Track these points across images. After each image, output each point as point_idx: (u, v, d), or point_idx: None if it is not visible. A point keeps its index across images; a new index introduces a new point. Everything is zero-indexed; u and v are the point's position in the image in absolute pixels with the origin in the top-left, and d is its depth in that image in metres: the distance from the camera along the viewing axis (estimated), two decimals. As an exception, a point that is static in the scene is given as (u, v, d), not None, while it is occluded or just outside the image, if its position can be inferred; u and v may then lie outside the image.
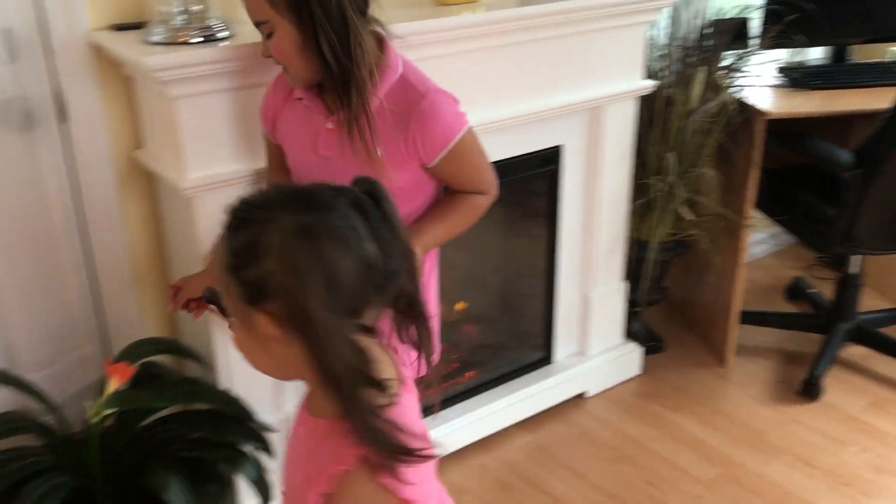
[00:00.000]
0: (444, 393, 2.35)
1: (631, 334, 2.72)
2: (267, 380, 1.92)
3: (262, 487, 1.73)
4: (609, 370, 2.65)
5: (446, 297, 2.43)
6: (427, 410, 2.17)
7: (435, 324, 1.72)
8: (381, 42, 1.51)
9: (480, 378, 2.43)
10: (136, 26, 1.70)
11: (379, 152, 1.48)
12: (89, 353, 1.91)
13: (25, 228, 1.74)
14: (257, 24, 1.44)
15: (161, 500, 1.55)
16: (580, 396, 2.61)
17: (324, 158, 1.53)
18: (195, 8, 1.64)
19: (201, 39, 1.59)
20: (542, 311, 2.50)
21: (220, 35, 1.63)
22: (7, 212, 1.70)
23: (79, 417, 1.83)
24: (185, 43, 1.58)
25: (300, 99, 1.53)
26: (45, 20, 1.66)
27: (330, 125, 1.50)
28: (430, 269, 1.70)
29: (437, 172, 1.56)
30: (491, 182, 1.64)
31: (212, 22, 1.64)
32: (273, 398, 1.97)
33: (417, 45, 1.82)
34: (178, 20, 1.61)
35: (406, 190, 1.54)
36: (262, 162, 1.74)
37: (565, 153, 2.29)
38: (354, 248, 0.96)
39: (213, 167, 1.69)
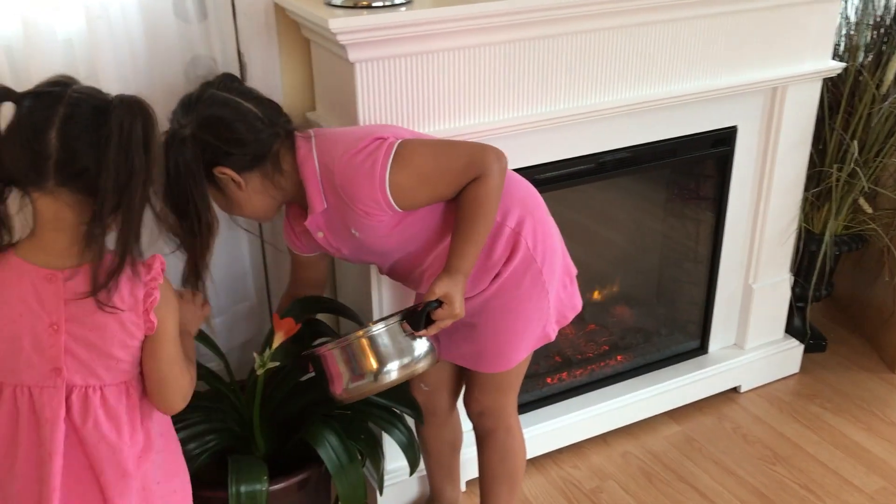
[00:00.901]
0: (589, 375, 2.31)
1: (792, 330, 2.57)
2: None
3: (410, 453, 1.75)
4: (766, 366, 2.52)
5: (598, 278, 2.39)
6: (544, 401, 2.16)
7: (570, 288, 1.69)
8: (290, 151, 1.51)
9: (630, 363, 2.37)
10: (318, -11, 1.73)
11: (356, 233, 1.51)
12: (255, 305, 1.98)
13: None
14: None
15: (314, 452, 1.60)
16: (734, 390, 2.50)
17: (347, 241, 1.56)
18: (377, -29, 1.64)
19: (384, 4, 1.60)
20: (699, 298, 2.40)
21: (399, 0, 1.62)
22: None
23: (241, 365, 1.91)
24: (368, 6, 1.59)
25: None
26: (234, -20, 1.71)
27: (320, 234, 1.56)
28: (542, 236, 1.59)
29: (410, 204, 1.47)
30: (469, 164, 1.45)
31: (393, -15, 1.64)
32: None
33: (605, 13, 1.76)
34: (362, -17, 1.62)
35: (412, 226, 1.52)
36: (435, 130, 1.74)
37: (739, 135, 2.18)
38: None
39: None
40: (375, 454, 1.73)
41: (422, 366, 1.51)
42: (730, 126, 2.15)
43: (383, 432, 1.76)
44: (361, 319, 1.83)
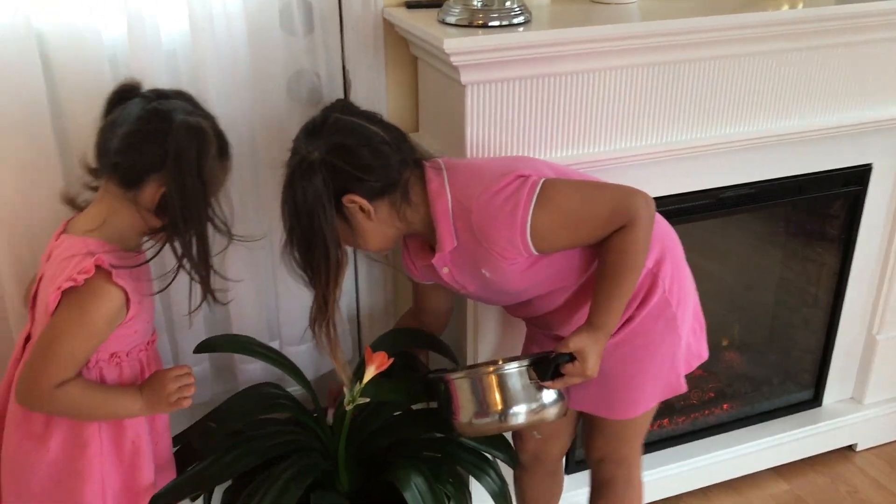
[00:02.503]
0: (692, 423, 2.15)
1: (917, 386, 2.37)
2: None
3: (501, 501, 1.64)
4: (887, 423, 2.32)
5: (708, 319, 2.23)
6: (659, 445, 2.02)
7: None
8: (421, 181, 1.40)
9: (737, 412, 2.20)
10: (429, 5, 1.64)
11: (486, 273, 1.40)
12: (345, 331, 1.90)
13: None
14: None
15: (399, 494, 1.51)
16: (849, 448, 2.32)
17: (475, 280, 1.45)
18: (494, -11, 1.54)
19: (500, 23, 1.49)
20: (816, 347, 2.23)
21: (517, 20, 1.52)
22: (286, 185, 1.71)
23: (326, 392, 1.84)
24: (484, 26, 1.49)
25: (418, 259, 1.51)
26: (343, -5, 1.64)
27: (445, 270, 1.45)
28: (678, 277, 1.50)
29: (552, 247, 1.37)
30: (616, 211, 1.34)
31: (510, 4, 1.53)
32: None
33: (734, 40, 1.64)
34: (478, 1, 1.52)
35: (547, 267, 1.41)
36: (545, 157, 1.63)
37: (873, 174, 2.00)
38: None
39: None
40: (464, 501, 1.63)
41: (551, 413, 1.42)
42: (864, 164, 1.98)
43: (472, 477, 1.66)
44: (457, 357, 1.73)
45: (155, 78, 1.49)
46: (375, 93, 1.72)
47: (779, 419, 2.22)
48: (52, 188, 1.48)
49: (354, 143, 1.33)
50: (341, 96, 1.72)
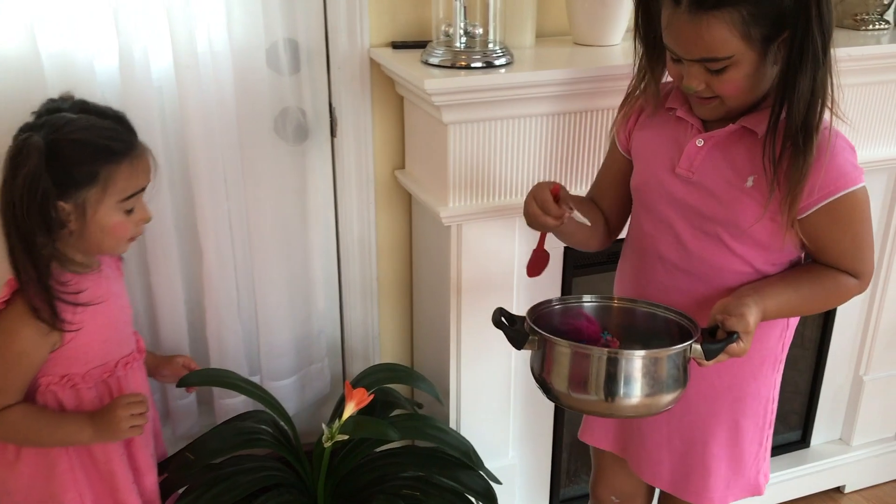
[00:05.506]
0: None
1: (905, 428, 2.35)
2: (495, 421, 1.83)
3: (481, 540, 1.63)
4: (875, 466, 2.30)
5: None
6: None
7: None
8: None
9: (723, 452, 2.18)
10: (415, 45, 1.66)
11: (750, 181, 1.24)
12: (326, 366, 1.90)
13: (286, 239, 1.75)
14: (703, 61, 1.18)
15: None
16: (837, 490, 2.30)
17: (677, 178, 1.31)
18: (477, 31, 1.56)
19: (482, 65, 1.51)
20: (803, 387, 2.21)
21: (498, 61, 1.54)
22: (272, 220, 1.72)
23: (307, 426, 1.83)
24: (467, 67, 1.51)
25: (671, 109, 1.33)
26: (329, 35, 1.66)
27: (700, 142, 1.28)
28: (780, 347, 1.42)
29: (805, 231, 1.25)
30: (869, 264, 1.30)
31: (492, 46, 1.56)
32: (499, 443, 1.86)
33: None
34: (460, 43, 1.54)
35: (755, 245, 1.28)
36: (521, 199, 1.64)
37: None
38: None
39: (476, 197, 1.61)
40: (441, 540, 1.62)
41: (667, 400, 1.20)
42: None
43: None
44: (438, 393, 1.73)
45: (146, 113, 1.50)
46: (362, 130, 1.73)
47: (766, 460, 2.21)
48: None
49: None
50: (328, 134, 1.74)
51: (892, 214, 2.03)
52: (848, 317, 2.12)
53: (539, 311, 1.30)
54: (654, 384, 1.17)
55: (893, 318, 2.15)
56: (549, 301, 1.33)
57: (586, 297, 1.36)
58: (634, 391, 1.17)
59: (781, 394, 2.24)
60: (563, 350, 1.19)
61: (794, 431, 2.26)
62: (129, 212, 1.30)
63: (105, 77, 1.52)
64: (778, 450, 2.23)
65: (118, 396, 1.35)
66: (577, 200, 1.42)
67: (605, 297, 1.37)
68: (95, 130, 1.24)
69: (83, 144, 1.23)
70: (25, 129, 1.23)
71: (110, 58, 1.51)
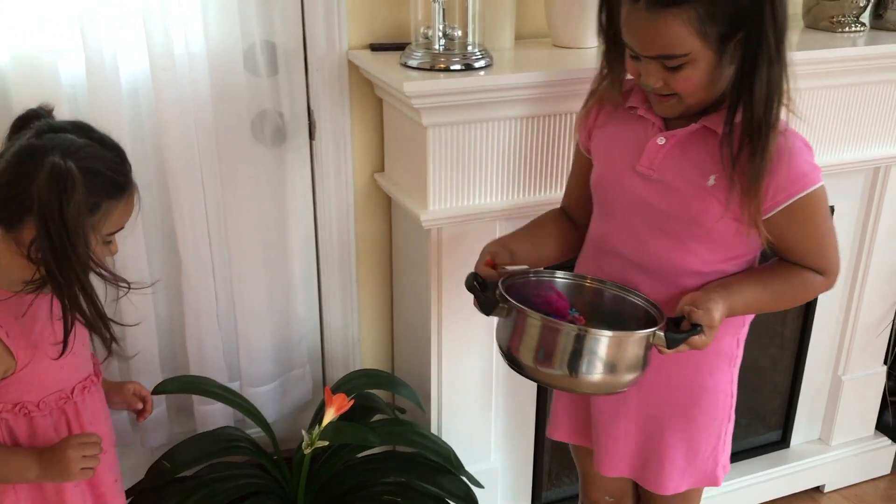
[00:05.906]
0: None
1: (883, 427, 2.37)
2: (476, 424, 1.82)
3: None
4: (853, 465, 2.32)
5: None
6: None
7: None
8: None
9: (704, 453, 2.19)
10: (393, 47, 1.65)
11: (712, 180, 1.25)
12: (306, 372, 1.88)
13: (265, 243, 1.74)
14: (660, 58, 1.20)
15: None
16: (817, 490, 2.31)
17: (637, 176, 1.32)
18: (456, 33, 1.56)
19: (461, 67, 1.51)
20: (783, 387, 2.23)
21: (478, 64, 1.53)
22: (251, 224, 1.70)
23: (288, 433, 1.82)
24: (446, 69, 1.50)
25: (632, 108, 1.34)
26: (307, 37, 1.65)
27: (661, 140, 1.29)
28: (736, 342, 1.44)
29: (770, 232, 1.26)
30: (834, 261, 1.33)
31: (471, 49, 1.55)
32: (481, 446, 1.86)
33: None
34: (439, 45, 1.54)
35: (714, 243, 1.30)
36: (507, 200, 1.63)
37: (835, 216, 2.01)
38: None
39: (456, 200, 1.60)
40: (424, 545, 1.61)
41: (627, 380, 1.24)
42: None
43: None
44: (418, 398, 1.72)
45: (115, 117, 1.49)
46: (341, 132, 1.72)
47: (746, 460, 2.21)
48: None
49: None
50: (306, 137, 1.73)
51: (868, 215, 2.04)
52: (826, 317, 2.14)
53: (512, 281, 1.32)
54: (617, 364, 1.22)
55: (871, 319, 2.16)
56: (525, 271, 1.35)
57: (559, 273, 1.39)
58: (597, 369, 1.21)
59: (761, 394, 2.28)
60: (534, 322, 1.22)
61: (773, 432, 2.27)
62: (108, 244, 1.23)
63: (71, 80, 1.50)
64: (757, 450, 2.24)
65: (69, 436, 1.26)
66: (525, 237, 1.44)
67: (579, 275, 1.40)
68: (102, 161, 1.18)
69: (94, 174, 1.15)
70: (26, 144, 1.15)
71: (77, 60, 1.48)
